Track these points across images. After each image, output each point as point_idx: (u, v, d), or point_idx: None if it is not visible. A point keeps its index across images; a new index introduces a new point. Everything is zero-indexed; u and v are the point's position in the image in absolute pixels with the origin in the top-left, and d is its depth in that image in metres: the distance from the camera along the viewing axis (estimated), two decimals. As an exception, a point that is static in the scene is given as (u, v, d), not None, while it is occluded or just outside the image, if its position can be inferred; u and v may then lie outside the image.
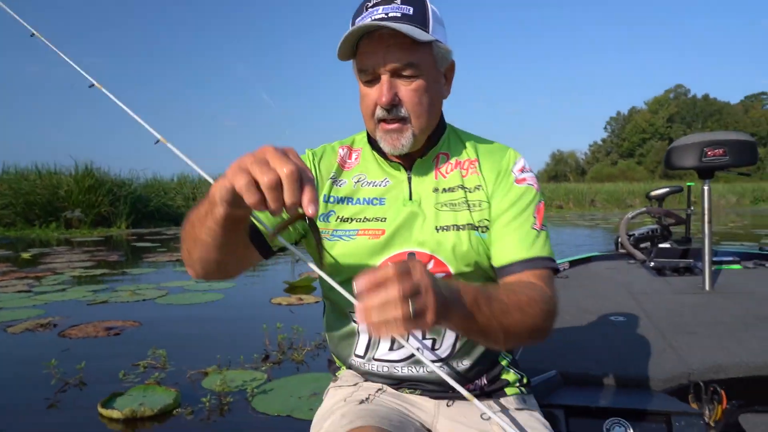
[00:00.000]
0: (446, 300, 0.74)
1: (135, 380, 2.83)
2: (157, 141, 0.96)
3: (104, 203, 14.52)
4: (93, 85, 1.05)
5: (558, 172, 62.27)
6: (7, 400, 2.66)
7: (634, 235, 3.99)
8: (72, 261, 7.91)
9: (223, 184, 0.72)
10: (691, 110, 59.32)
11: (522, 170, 1.10)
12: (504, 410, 1.11)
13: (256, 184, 0.68)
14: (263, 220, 0.95)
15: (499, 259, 1.05)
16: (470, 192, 1.08)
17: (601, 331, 2.13)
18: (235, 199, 0.73)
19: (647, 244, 3.98)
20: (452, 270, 1.04)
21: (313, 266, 0.84)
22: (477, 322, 0.83)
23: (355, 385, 1.14)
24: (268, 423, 2.34)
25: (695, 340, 1.94)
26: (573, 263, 3.69)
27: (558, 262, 3.70)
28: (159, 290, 5.48)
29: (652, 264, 3.44)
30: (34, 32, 1.13)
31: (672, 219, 4.02)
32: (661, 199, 4.16)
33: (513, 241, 1.04)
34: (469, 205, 1.07)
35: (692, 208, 3.83)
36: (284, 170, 0.67)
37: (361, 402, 1.07)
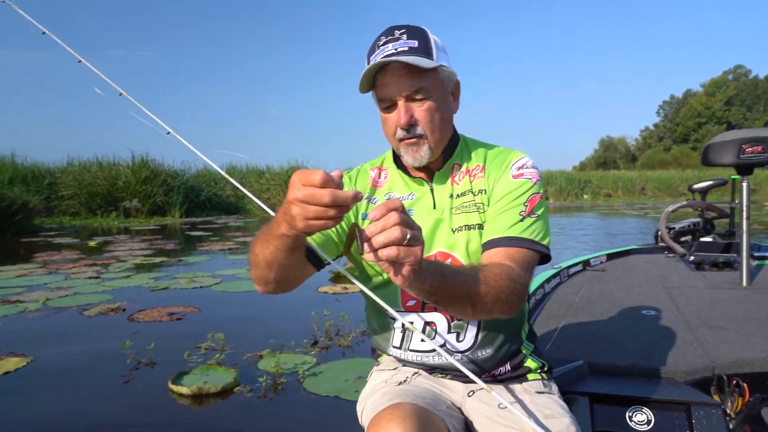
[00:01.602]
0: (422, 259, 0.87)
1: (198, 360, 3.12)
2: (223, 176, 1.15)
3: (159, 193, 15.26)
4: (169, 132, 1.27)
5: (607, 159, 60.32)
6: (88, 376, 3.00)
7: (674, 228, 3.99)
8: (133, 249, 8.45)
9: (286, 232, 0.91)
10: (752, 92, 56.00)
11: (521, 167, 1.22)
12: (523, 395, 1.26)
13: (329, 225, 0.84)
14: (313, 241, 1.15)
15: (483, 238, 1.18)
16: (476, 195, 1.23)
17: (630, 324, 2.22)
18: (298, 236, 0.92)
19: (688, 237, 3.97)
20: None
21: (353, 279, 1.03)
22: (445, 288, 0.95)
23: (394, 369, 1.33)
24: (319, 402, 2.57)
25: (722, 335, 2.00)
26: (610, 256, 3.74)
27: (595, 255, 3.74)
28: (214, 278, 5.85)
29: (692, 258, 3.46)
30: (122, 92, 1.36)
31: (714, 212, 3.99)
32: (704, 191, 4.12)
33: (497, 223, 1.17)
34: (477, 207, 1.22)
35: (737, 201, 3.79)
36: (324, 200, 0.81)
37: (400, 383, 1.25)
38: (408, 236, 0.81)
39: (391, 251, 0.81)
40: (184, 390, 2.64)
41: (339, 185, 0.83)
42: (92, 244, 9.36)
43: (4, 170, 14.01)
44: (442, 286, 0.94)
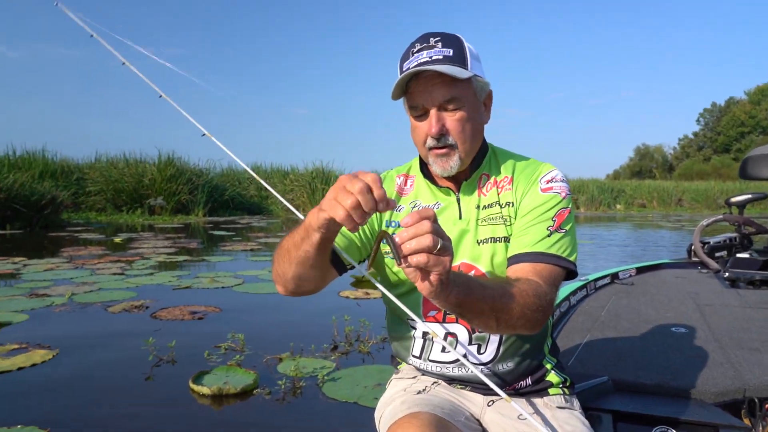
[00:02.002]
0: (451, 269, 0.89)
1: (218, 361, 3.20)
2: (252, 182, 1.20)
3: (184, 191, 15.58)
4: (204, 134, 1.34)
5: (642, 168, 59.25)
6: (111, 371, 3.10)
7: (709, 243, 3.92)
8: (157, 247, 8.66)
9: (322, 216, 0.93)
10: (801, 101, 54.25)
11: (550, 181, 1.23)
12: (544, 409, 1.27)
13: (349, 214, 0.87)
14: (340, 245, 1.18)
15: (509, 252, 1.19)
16: (503, 207, 1.24)
17: (658, 342, 2.20)
18: (329, 227, 0.96)
19: (723, 253, 3.90)
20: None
21: (377, 284, 1.07)
22: (470, 301, 0.96)
23: (414, 377, 1.35)
24: (337, 407, 2.61)
25: (756, 357, 1.97)
26: (640, 270, 3.69)
27: (624, 268, 3.72)
28: (236, 278, 5.96)
29: (727, 275, 3.40)
30: (162, 94, 1.44)
31: (752, 227, 3.91)
32: (742, 205, 4.04)
33: (524, 237, 1.18)
34: (504, 220, 1.23)
35: (777, 216, 3.72)
36: (356, 188, 0.86)
37: (419, 392, 1.28)
38: (439, 245, 0.83)
39: (420, 258, 0.83)
40: (205, 390, 2.71)
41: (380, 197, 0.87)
42: (117, 240, 9.63)
43: (35, 165, 14.52)
44: (467, 299, 0.95)
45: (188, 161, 16.84)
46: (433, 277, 0.86)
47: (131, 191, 15.30)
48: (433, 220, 0.85)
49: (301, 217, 1.09)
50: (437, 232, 0.85)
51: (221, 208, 16.90)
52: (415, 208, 1.29)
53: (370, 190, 0.86)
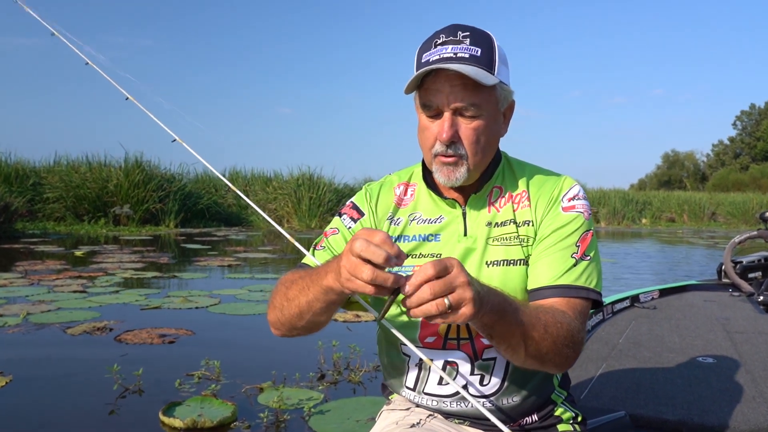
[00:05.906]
0: (480, 294, 0.93)
1: (191, 390, 3.22)
2: (229, 190, 1.26)
3: (153, 199, 15.58)
4: (175, 140, 1.40)
5: (671, 177, 59.59)
6: (71, 402, 3.13)
7: (741, 262, 3.97)
8: (122, 261, 8.68)
9: (342, 290, 1.00)
10: None
11: (572, 198, 1.25)
12: None
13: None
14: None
15: (531, 283, 1.21)
16: (520, 227, 1.25)
17: (683, 373, 2.24)
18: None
19: (758, 274, 3.96)
20: None
21: (368, 307, 1.12)
22: (501, 325, 1.00)
23: (407, 409, 1.37)
24: (324, 444, 2.64)
25: None
26: (663, 292, 3.74)
27: (646, 290, 3.77)
28: (212, 298, 5.99)
29: (761, 298, 3.44)
30: (129, 96, 1.50)
31: (790, 246, 3.97)
32: (778, 222, 4.10)
33: (548, 266, 1.19)
34: (520, 240, 1.24)
35: (817, 234, 3.77)
36: (370, 270, 0.90)
37: (412, 426, 1.29)
38: (447, 304, 0.88)
39: (428, 315, 0.90)
40: (177, 423, 2.73)
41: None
42: (78, 253, 9.65)
43: (-14, 168, 14.52)
44: (499, 323, 1.00)
45: (158, 165, 16.89)
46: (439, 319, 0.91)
47: (94, 198, 15.29)
48: (440, 272, 0.88)
49: (286, 234, 1.12)
50: (444, 288, 0.88)
51: (195, 218, 16.90)
52: (414, 221, 1.31)
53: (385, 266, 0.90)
